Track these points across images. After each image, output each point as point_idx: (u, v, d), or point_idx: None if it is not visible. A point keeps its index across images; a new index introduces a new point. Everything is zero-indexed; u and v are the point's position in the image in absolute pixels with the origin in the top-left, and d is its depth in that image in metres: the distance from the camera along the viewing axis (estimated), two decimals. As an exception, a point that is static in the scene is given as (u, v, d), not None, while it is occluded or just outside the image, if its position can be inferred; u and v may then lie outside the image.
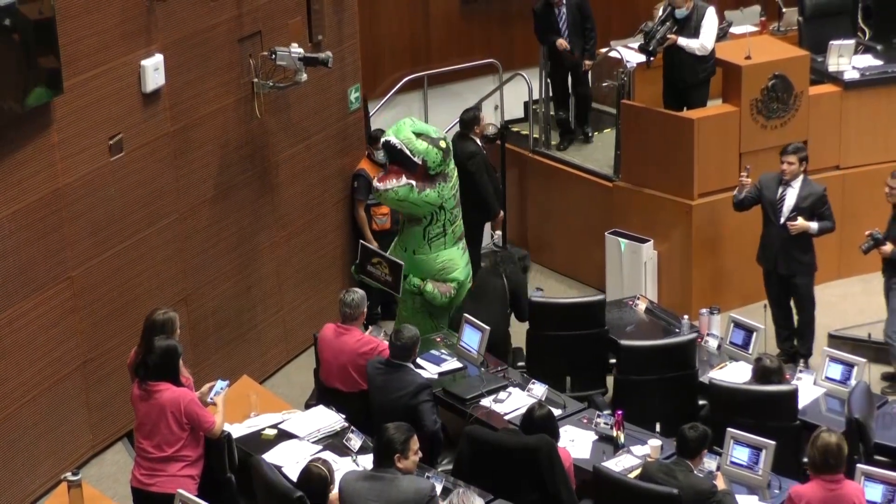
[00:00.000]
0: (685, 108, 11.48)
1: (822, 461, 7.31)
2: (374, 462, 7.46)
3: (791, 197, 10.23)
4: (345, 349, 8.91)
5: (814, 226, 10.20)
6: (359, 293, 9.07)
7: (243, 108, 10.04)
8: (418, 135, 9.81)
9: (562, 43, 12.01)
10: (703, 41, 11.21)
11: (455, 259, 10.15)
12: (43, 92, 8.33)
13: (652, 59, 11.19)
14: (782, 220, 10.22)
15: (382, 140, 9.95)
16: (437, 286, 10.03)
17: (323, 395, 9.08)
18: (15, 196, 8.37)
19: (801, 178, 10.26)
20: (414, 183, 9.81)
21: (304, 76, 9.97)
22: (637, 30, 11.63)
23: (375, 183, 9.93)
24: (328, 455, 8.07)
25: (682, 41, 11.17)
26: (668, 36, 11.11)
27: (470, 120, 11.67)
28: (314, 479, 7.32)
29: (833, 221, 10.32)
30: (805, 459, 7.71)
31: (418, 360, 9.06)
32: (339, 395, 8.97)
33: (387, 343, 8.80)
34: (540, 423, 7.97)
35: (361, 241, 10.29)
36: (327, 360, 9.00)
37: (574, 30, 12.08)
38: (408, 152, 9.74)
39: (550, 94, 12.64)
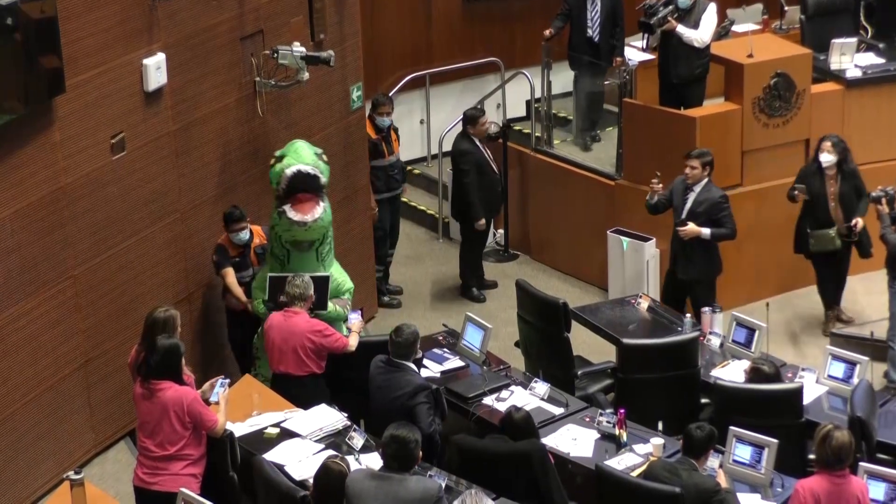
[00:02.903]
0: (682, 107, 11.48)
1: (835, 459, 7.31)
2: (383, 461, 7.42)
3: (690, 201, 10.36)
4: (295, 331, 8.93)
5: (706, 231, 10.30)
6: (305, 278, 9.08)
7: (245, 106, 10.04)
8: (317, 155, 9.59)
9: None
10: (701, 34, 11.25)
11: (341, 270, 9.94)
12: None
13: (649, 35, 11.20)
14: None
15: (293, 171, 9.30)
16: (336, 303, 9.71)
17: (275, 384, 9.08)
18: (17, 195, 8.37)
19: (703, 182, 10.35)
20: (327, 204, 9.64)
21: (306, 75, 9.97)
22: (640, 14, 11.62)
23: (303, 217, 9.41)
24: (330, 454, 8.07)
25: (681, 28, 11.19)
26: (669, 19, 11.13)
27: (469, 117, 11.71)
28: (333, 475, 7.31)
29: (732, 228, 10.38)
30: (811, 456, 7.69)
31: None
32: (290, 379, 8.97)
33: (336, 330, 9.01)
34: (522, 426, 7.96)
35: (270, 274, 9.56)
36: (277, 345, 8.99)
37: (604, 27, 12.07)
38: (321, 177, 9.49)
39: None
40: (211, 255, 9.78)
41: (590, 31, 12.18)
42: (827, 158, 10.55)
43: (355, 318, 9.37)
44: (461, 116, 11.95)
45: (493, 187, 11.77)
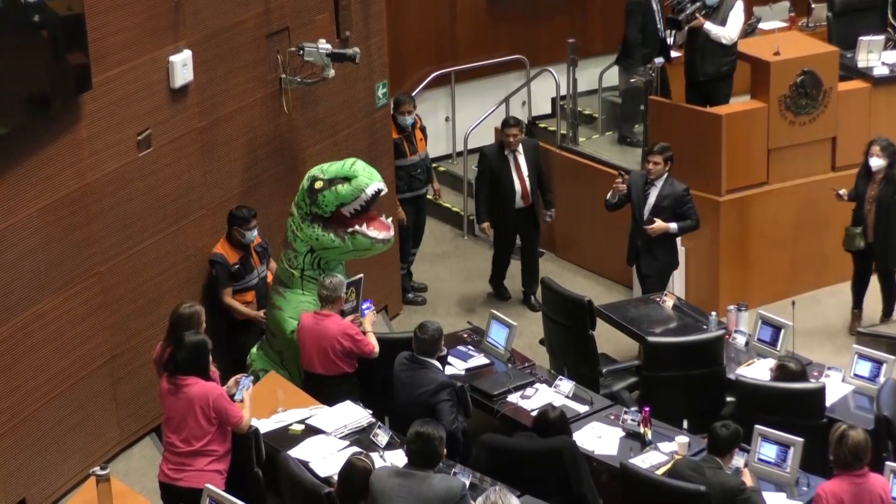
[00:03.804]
0: (708, 105, 11.45)
1: (853, 458, 7.28)
2: (407, 458, 7.42)
3: (653, 196, 10.37)
4: (326, 334, 8.94)
5: (673, 226, 10.36)
6: (337, 277, 9.07)
7: (271, 103, 10.06)
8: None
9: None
10: (729, 31, 11.22)
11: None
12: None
13: (676, 31, 11.16)
14: (644, 219, 10.37)
15: (377, 188, 9.19)
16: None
17: (307, 382, 9.10)
18: (44, 192, 8.41)
19: (664, 177, 10.37)
20: None
21: (332, 72, 9.97)
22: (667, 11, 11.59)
23: (387, 234, 9.36)
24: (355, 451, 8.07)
25: (708, 25, 11.16)
26: (696, 16, 11.08)
27: (502, 122, 11.67)
28: (358, 472, 7.32)
29: (696, 220, 10.43)
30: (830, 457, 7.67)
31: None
32: (322, 379, 9.00)
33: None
34: (556, 425, 7.96)
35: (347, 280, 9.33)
36: (308, 346, 9.02)
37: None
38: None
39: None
40: (210, 270, 9.68)
41: (658, 26, 12.08)
42: (877, 163, 10.49)
43: (368, 310, 9.31)
44: (486, 114, 11.93)
45: (504, 199, 11.41)
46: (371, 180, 9.22)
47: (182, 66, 9.22)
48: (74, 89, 8.47)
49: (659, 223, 10.31)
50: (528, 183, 11.37)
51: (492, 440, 8.17)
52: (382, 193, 9.35)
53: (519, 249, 11.84)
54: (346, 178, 9.25)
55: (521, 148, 11.39)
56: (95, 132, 8.70)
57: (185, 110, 9.36)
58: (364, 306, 9.27)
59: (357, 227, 9.31)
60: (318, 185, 9.30)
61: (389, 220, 9.52)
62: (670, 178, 10.42)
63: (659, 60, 11.77)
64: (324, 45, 9.92)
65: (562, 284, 10.09)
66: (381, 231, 9.37)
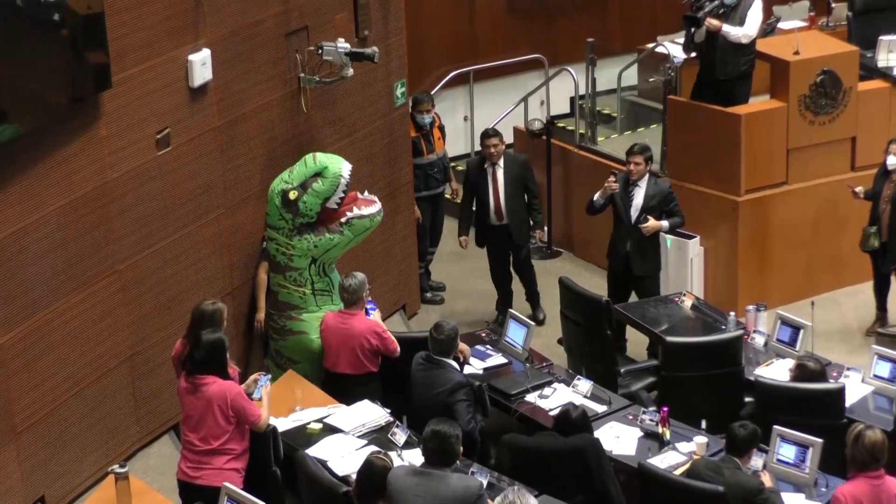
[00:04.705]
0: (726, 104, 11.41)
1: (870, 458, 7.25)
2: (424, 457, 7.43)
3: (639, 197, 10.39)
4: (353, 332, 8.96)
5: (665, 224, 10.41)
6: (358, 278, 9.08)
7: (290, 102, 10.07)
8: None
9: None
10: (747, 30, 11.19)
11: None
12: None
13: (695, 29, 11.14)
14: (633, 220, 10.38)
15: (349, 169, 9.32)
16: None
17: (329, 382, 9.10)
18: (63, 190, 8.43)
19: (646, 177, 10.40)
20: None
21: (351, 71, 9.98)
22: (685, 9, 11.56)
23: (374, 206, 9.49)
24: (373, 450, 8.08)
25: (726, 27, 11.14)
26: (712, 21, 11.04)
27: (482, 133, 11.49)
28: (377, 471, 7.32)
29: (682, 216, 10.50)
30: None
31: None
32: (347, 378, 9.01)
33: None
34: (578, 424, 7.95)
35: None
36: (334, 346, 9.04)
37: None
38: None
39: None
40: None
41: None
42: (892, 161, 10.47)
43: (374, 312, 9.30)
44: (505, 113, 11.90)
45: (481, 213, 11.12)
46: (340, 164, 9.30)
47: (201, 64, 9.23)
48: (94, 88, 8.49)
49: (652, 221, 10.35)
50: (501, 199, 11.03)
51: (514, 440, 8.16)
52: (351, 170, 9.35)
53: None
54: (317, 174, 9.30)
55: (502, 162, 11.08)
56: (115, 131, 8.72)
57: (204, 109, 9.37)
58: (369, 307, 9.23)
59: (348, 213, 9.37)
60: (293, 194, 9.29)
61: (366, 194, 9.51)
62: (652, 177, 10.47)
63: (678, 60, 11.75)
64: (342, 45, 9.93)
65: (580, 284, 10.08)
66: (371, 206, 9.45)
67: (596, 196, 10.59)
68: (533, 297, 11.42)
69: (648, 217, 10.35)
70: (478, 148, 13.33)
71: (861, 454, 7.27)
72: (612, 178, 10.46)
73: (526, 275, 11.39)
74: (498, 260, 11.37)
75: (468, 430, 8.27)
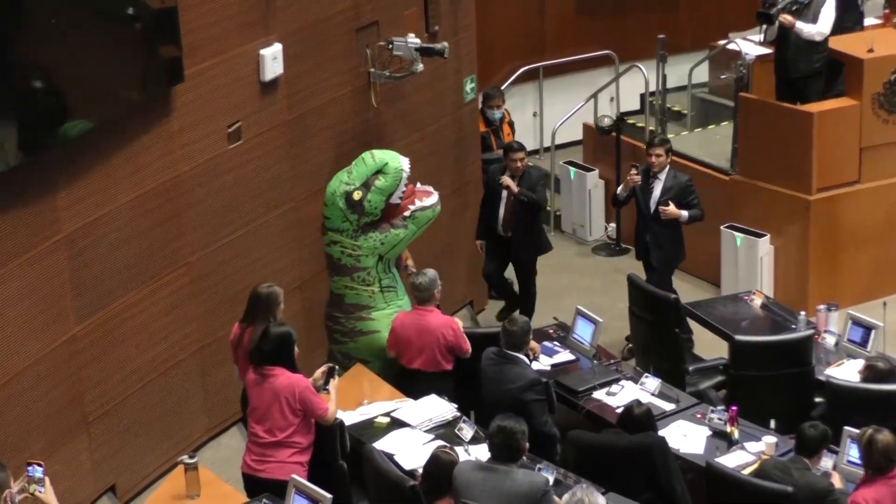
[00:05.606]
0: (799, 102, 11.31)
1: (885, 461, 7.19)
2: (490, 452, 7.42)
3: (657, 189, 10.39)
4: (430, 328, 8.96)
5: (684, 214, 10.36)
6: (428, 276, 9.07)
7: (359, 97, 10.09)
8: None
9: None
10: (820, 27, 11.07)
11: None
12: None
13: (768, 27, 11.06)
14: (651, 211, 10.37)
15: (407, 163, 9.34)
16: None
17: (404, 378, 9.10)
18: (135, 183, 8.51)
19: (666, 169, 10.40)
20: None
21: (420, 66, 9.99)
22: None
23: (433, 196, 9.51)
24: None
25: (800, 25, 11.03)
26: (786, 17, 10.95)
27: (505, 147, 11.21)
28: (443, 465, 7.32)
29: (702, 210, 10.43)
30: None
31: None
32: (422, 375, 9.01)
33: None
34: (643, 421, 7.92)
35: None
36: (410, 341, 9.04)
37: None
38: None
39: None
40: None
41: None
42: None
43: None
44: (574, 109, 11.83)
45: (491, 223, 10.81)
46: (398, 158, 9.35)
47: (272, 59, 9.28)
48: (166, 82, 8.56)
49: (672, 207, 10.30)
50: (511, 212, 10.67)
51: (580, 437, 8.13)
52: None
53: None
54: (378, 171, 9.29)
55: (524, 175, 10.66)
56: (186, 124, 8.79)
57: (274, 103, 9.42)
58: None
59: (410, 207, 9.41)
60: (357, 195, 9.28)
61: (419, 185, 9.54)
62: (672, 169, 10.45)
63: (750, 57, 11.66)
64: (412, 40, 9.95)
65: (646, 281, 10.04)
66: (430, 196, 9.51)
67: (619, 189, 10.67)
68: (527, 310, 10.84)
69: (669, 202, 10.31)
70: (547, 144, 13.33)
71: (877, 458, 7.20)
72: (633, 171, 10.46)
73: (523, 285, 11.12)
74: (496, 268, 11.03)
75: (542, 430, 8.25)
